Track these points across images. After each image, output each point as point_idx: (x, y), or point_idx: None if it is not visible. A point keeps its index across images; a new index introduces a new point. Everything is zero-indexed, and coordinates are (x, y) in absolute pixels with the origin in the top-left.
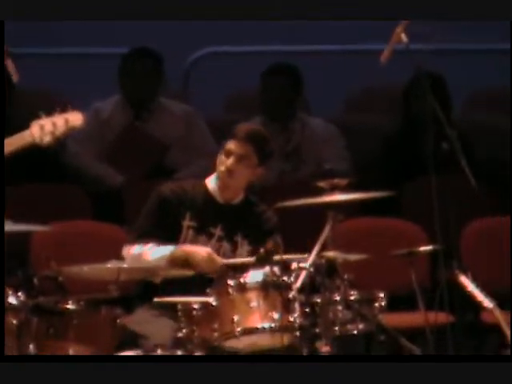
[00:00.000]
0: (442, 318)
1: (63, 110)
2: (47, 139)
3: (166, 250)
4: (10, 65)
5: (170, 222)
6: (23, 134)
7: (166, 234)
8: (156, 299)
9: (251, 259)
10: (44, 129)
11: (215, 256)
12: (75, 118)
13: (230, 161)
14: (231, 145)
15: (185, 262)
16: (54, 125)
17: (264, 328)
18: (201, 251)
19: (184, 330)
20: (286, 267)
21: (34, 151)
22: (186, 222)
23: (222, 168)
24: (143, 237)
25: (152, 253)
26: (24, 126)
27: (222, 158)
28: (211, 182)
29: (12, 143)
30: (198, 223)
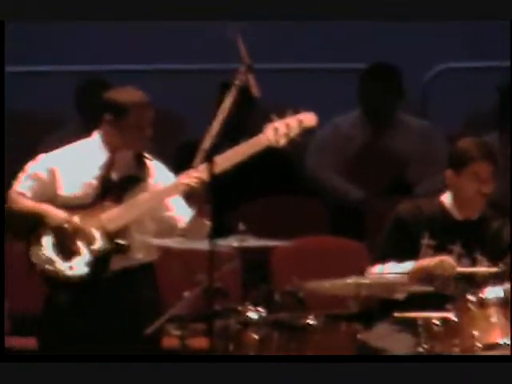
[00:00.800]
0: None
1: (296, 111)
2: (282, 141)
3: (405, 266)
4: (251, 79)
5: (409, 242)
6: (258, 138)
7: (406, 254)
8: (396, 314)
9: (487, 270)
10: (278, 131)
11: (450, 260)
12: (308, 119)
13: (486, 187)
14: (476, 167)
15: (424, 274)
16: (288, 126)
17: (505, 344)
18: (435, 258)
19: (425, 345)
20: None
21: (274, 166)
22: (425, 241)
23: (471, 192)
24: (383, 258)
25: (390, 270)
26: None
27: (465, 182)
28: (447, 199)
29: (248, 148)
30: (437, 241)
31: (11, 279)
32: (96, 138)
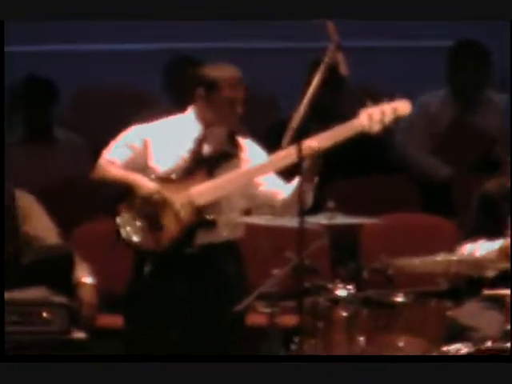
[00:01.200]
0: None
1: (391, 98)
2: (376, 128)
3: (494, 245)
4: (340, 57)
5: (496, 220)
6: (352, 123)
7: (494, 230)
8: (485, 292)
9: None
10: (373, 117)
11: None
12: (403, 107)
13: None
14: None
15: None
16: (383, 113)
17: None
18: None
19: None
20: None
21: (363, 144)
22: None
23: None
24: (472, 235)
25: (481, 248)
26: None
27: None
28: None
29: (342, 132)
30: None
31: (99, 256)
32: (190, 112)
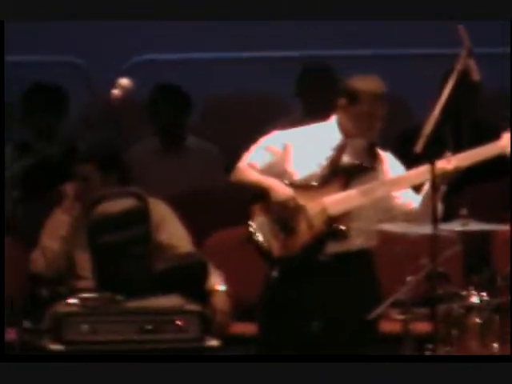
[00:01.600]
0: None
1: None
2: None
3: None
4: (472, 63)
5: None
6: (493, 146)
7: None
8: None
9: None
10: None
11: None
12: None
13: None
14: None
15: None
16: None
17: None
18: None
19: None
20: None
21: None
22: None
23: None
24: None
25: None
26: (487, 127)
27: None
28: None
29: (481, 153)
30: None
31: (232, 263)
32: (333, 121)
